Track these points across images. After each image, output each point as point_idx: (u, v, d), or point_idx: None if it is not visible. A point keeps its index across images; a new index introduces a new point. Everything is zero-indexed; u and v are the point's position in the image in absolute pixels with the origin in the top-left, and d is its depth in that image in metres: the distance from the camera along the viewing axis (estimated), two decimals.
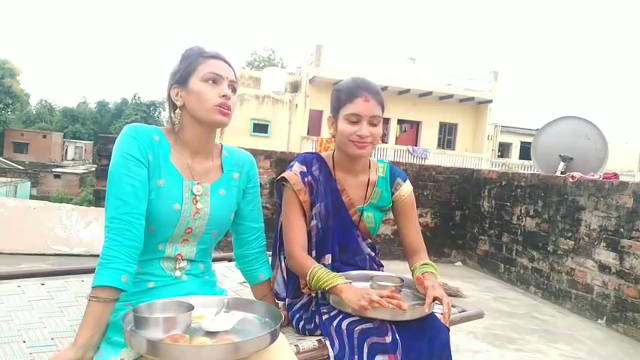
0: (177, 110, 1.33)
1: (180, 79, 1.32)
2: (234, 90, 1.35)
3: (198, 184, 1.34)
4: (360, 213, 1.66)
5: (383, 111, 1.59)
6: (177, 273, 1.35)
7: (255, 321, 1.25)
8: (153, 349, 1.03)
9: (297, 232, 1.57)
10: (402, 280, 1.56)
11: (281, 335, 1.21)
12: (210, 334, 1.14)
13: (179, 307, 1.18)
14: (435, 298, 1.38)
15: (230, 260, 2.17)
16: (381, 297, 1.33)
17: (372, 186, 1.67)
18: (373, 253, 1.74)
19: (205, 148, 1.38)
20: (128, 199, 1.21)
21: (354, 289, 1.40)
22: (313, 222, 1.60)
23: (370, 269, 1.70)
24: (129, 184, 1.23)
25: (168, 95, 1.35)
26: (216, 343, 1.08)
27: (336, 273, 1.47)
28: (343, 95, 1.56)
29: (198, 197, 1.34)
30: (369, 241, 1.72)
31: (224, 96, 1.30)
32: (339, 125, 1.57)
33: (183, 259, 1.36)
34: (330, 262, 1.60)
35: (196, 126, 1.33)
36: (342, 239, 1.64)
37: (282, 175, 1.61)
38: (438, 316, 1.50)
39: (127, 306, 1.25)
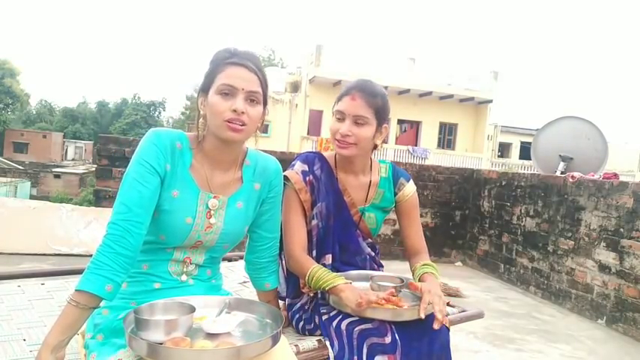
0: (201, 120, 1.28)
1: (204, 87, 1.27)
2: (255, 101, 1.25)
3: (214, 197, 1.30)
4: (362, 213, 1.66)
5: (379, 116, 1.54)
6: (184, 277, 1.33)
7: (256, 322, 1.25)
8: (153, 353, 1.03)
9: (297, 232, 1.56)
10: (401, 280, 1.56)
11: (282, 336, 1.20)
12: (212, 335, 1.14)
13: (181, 308, 1.17)
14: (429, 303, 1.36)
15: (230, 260, 2.17)
16: (378, 298, 1.34)
17: (373, 187, 1.67)
18: (373, 253, 1.74)
19: (226, 160, 1.33)
20: (132, 206, 1.18)
21: (354, 289, 1.40)
22: (314, 221, 1.59)
23: (370, 269, 1.70)
24: (137, 190, 1.19)
25: (197, 100, 1.30)
26: (217, 345, 1.07)
27: (335, 273, 1.47)
28: (339, 94, 1.58)
29: (212, 211, 1.30)
30: (370, 240, 1.72)
31: (234, 110, 1.21)
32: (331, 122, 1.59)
33: (191, 263, 1.34)
34: (330, 262, 1.60)
35: (214, 138, 1.28)
36: (342, 239, 1.64)
37: (284, 173, 1.59)
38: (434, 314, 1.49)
39: (132, 304, 1.24)
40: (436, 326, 1.33)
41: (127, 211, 1.18)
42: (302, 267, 1.50)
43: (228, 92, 1.22)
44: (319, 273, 1.45)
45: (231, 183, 1.34)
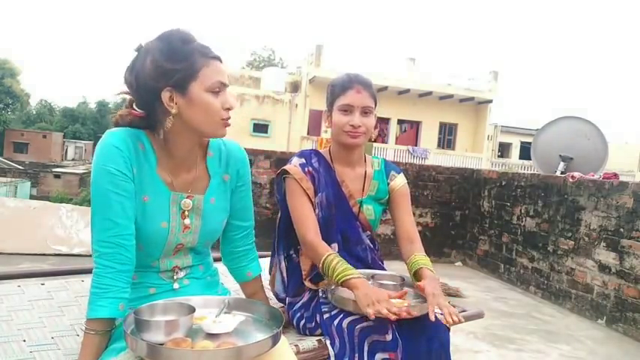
0: (170, 117, 1.16)
1: (178, 82, 1.14)
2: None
3: (187, 197, 1.26)
4: (360, 204, 1.69)
5: (375, 104, 1.66)
6: (176, 286, 1.30)
7: (256, 322, 1.24)
8: (154, 354, 1.02)
9: (307, 218, 1.58)
10: (402, 279, 1.56)
11: (282, 336, 1.20)
12: (212, 336, 1.14)
13: (181, 308, 1.17)
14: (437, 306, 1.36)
15: None
16: (389, 311, 1.29)
17: (369, 178, 1.72)
18: (372, 245, 1.76)
19: (192, 156, 1.28)
20: (118, 220, 1.14)
21: (367, 288, 1.37)
22: (316, 211, 1.62)
23: (371, 260, 1.72)
24: (117, 202, 1.14)
25: (157, 96, 1.15)
26: (218, 346, 1.07)
27: (348, 265, 1.46)
28: (337, 89, 1.64)
29: (186, 212, 1.26)
30: (369, 233, 1.75)
31: (228, 109, 1.19)
32: (333, 117, 1.64)
33: (180, 270, 1.32)
34: (336, 250, 1.61)
35: (190, 136, 1.21)
36: (344, 229, 1.67)
37: (283, 168, 1.64)
38: (439, 315, 1.49)
39: (129, 310, 1.23)
40: (450, 320, 1.33)
41: (115, 225, 1.14)
42: (316, 252, 1.51)
43: (219, 90, 1.19)
44: (334, 262, 1.44)
45: (198, 179, 1.29)
